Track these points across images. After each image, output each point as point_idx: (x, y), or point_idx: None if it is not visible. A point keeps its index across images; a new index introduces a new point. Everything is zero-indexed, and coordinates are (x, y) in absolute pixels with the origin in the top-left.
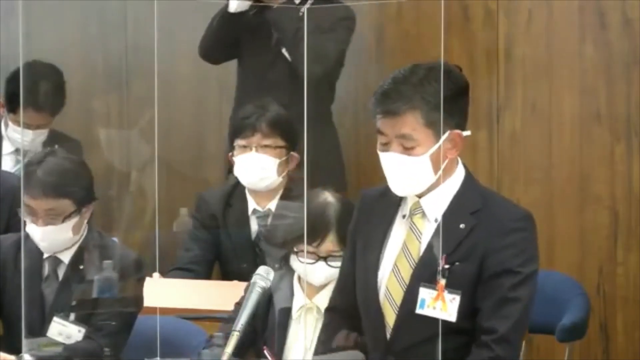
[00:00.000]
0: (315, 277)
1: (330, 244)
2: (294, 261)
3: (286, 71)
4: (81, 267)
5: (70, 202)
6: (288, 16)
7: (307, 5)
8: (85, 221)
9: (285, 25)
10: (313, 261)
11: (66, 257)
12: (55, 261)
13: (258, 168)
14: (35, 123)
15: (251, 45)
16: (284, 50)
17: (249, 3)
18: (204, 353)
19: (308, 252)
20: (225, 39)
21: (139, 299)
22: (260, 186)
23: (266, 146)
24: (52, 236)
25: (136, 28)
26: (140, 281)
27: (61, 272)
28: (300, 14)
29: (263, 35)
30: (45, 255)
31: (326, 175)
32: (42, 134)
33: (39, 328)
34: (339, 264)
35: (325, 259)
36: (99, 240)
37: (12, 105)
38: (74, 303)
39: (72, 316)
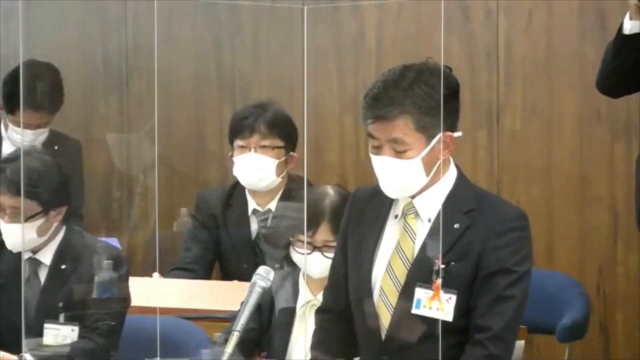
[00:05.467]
0: (312, 268)
1: (324, 233)
2: (293, 252)
3: None
4: (63, 267)
5: (36, 204)
6: None
7: None
8: (55, 225)
9: None
10: (309, 251)
11: (46, 259)
12: (35, 263)
13: (256, 168)
14: (34, 122)
15: None
16: None
17: None
18: (204, 353)
19: (304, 242)
20: (624, 67)
21: (126, 294)
22: (259, 186)
23: (265, 147)
24: (16, 234)
25: (136, 28)
26: (124, 277)
27: (42, 274)
28: None
29: None
30: (25, 257)
31: None
32: (43, 134)
33: (19, 330)
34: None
35: (320, 249)
36: (80, 239)
37: (10, 107)
38: (61, 304)
39: (62, 317)
